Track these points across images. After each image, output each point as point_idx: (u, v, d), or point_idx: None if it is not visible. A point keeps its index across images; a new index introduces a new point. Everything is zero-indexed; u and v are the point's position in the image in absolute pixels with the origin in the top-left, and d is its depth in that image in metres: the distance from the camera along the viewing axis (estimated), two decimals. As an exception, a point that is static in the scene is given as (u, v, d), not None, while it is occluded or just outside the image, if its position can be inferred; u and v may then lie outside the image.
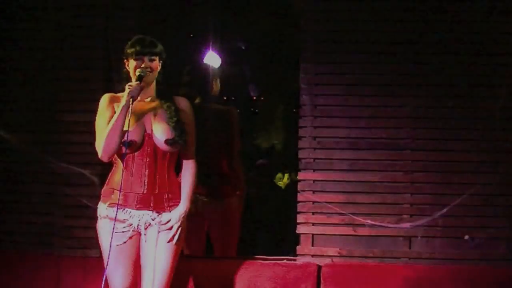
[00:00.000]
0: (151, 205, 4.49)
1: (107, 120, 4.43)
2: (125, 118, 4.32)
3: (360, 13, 5.45)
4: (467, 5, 5.37)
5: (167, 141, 4.45)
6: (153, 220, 4.49)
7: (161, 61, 4.57)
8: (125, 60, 4.59)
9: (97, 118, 4.53)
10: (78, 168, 5.46)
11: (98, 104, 5.42)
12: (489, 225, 5.28)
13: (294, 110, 7.64)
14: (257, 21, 8.22)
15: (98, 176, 5.44)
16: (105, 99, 4.56)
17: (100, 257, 4.66)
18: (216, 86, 6.06)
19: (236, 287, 5.24)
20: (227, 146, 5.91)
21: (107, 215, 4.48)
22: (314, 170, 5.41)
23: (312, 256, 5.39)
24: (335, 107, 5.42)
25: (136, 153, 4.47)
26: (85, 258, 5.45)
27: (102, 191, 4.61)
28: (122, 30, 5.56)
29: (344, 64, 5.44)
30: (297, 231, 5.44)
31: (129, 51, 4.53)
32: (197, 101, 5.82)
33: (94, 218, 5.41)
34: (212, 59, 7.91)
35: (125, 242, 4.50)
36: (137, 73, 4.43)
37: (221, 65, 7.63)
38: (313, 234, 5.41)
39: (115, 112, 4.41)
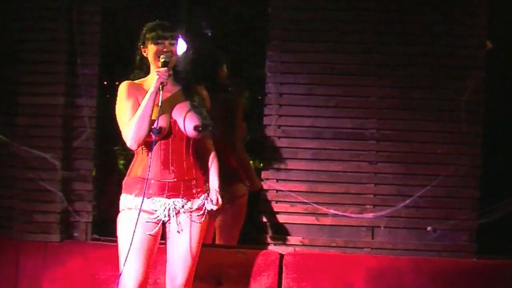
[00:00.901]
0: (181, 192, 4.40)
1: (131, 109, 4.31)
2: (154, 104, 4.23)
3: (327, 2, 5.43)
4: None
5: (196, 128, 4.37)
6: (182, 207, 4.41)
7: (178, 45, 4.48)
8: (142, 46, 4.46)
9: (118, 107, 4.39)
10: (40, 152, 5.38)
11: (60, 87, 5.35)
12: (451, 216, 5.30)
13: (259, 98, 7.61)
14: (224, 8, 8.18)
15: (59, 160, 5.37)
16: (125, 86, 4.40)
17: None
18: (223, 72, 5.94)
19: (198, 275, 5.20)
20: (230, 135, 5.80)
21: (135, 206, 4.31)
22: (278, 159, 5.38)
23: (275, 244, 5.38)
24: (300, 96, 5.41)
25: (162, 141, 4.37)
26: (46, 243, 5.39)
27: (124, 182, 4.44)
28: (87, 13, 5.49)
29: (310, 54, 5.42)
30: (260, 220, 5.42)
31: (148, 35, 4.40)
32: None
33: (54, 202, 5.37)
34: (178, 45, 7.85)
35: (151, 235, 4.37)
36: (162, 60, 4.31)
37: (186, 51, 7.56)
38: (276, 223, 5.39)
39: (137, 100, 4.33)
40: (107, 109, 4.93)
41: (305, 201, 5.34)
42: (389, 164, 5.36)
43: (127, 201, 4.38)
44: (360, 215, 5.34)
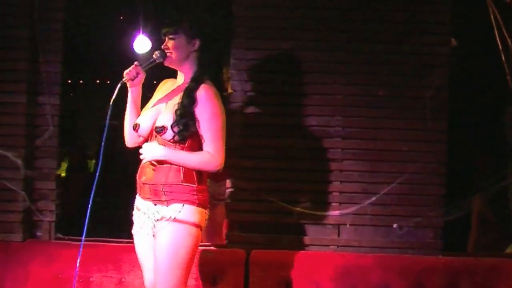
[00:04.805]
0: (149, 196, 4.20)
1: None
2: (129, 104, 4.25)
3: (291, 0, 5.41)
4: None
5: (155, 129, 4.14)
6: (153, 213, 4.20)
7: (192, 37, 4.21)
8: None
9: None
10: (2, 151, 5.30)
11: (23, 85, 5.26)
12: (417, 214, 5.31)
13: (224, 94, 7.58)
14: (188, 5, 8.14)
15: (22, 159, 5.30)
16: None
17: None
18: (227, 74, 5.70)
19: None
20: None
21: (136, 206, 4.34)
22: (244, 157, 5.35)
23: (241, 242, 5.35)
24: (265, 94, 5.38)
25: (152, 141, 4.20)
26: (7, 242, 5.31)
27: None
28: (49, 10, 5.41)
29: (275, 51, 5.39)
30: (226, 218, 5.39)
31: None
32: None
33: (17, 201, 5.29)
34: (142, 43, 7.80)
35: (137, 232, 4.31)
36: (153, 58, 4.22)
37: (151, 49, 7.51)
38: (242, 221, 5.37)
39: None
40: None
41: (271, 199, 5.32)
42: (355, 161, 5.35)
43: None
44: (326, 213, 5.33)
